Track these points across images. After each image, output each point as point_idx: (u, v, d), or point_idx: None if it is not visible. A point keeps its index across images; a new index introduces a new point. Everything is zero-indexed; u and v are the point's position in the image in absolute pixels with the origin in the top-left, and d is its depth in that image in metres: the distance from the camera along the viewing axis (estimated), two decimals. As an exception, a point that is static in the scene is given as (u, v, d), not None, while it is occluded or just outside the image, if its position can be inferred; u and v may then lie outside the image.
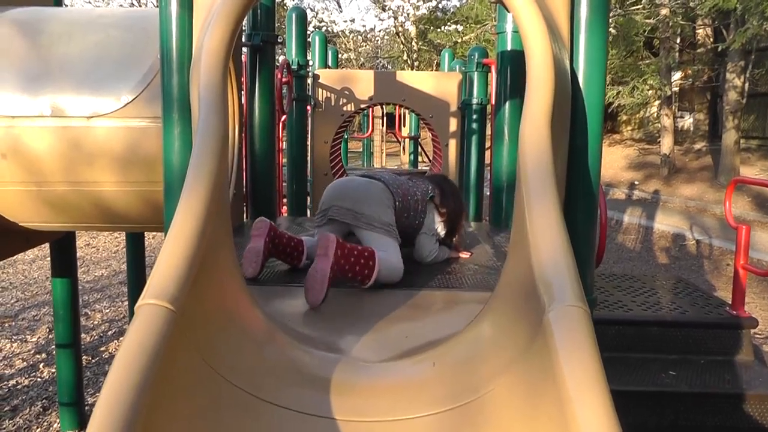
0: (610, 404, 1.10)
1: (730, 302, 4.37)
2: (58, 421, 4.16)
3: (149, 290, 1.23)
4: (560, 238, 1.37)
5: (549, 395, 1.19)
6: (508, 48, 4.12)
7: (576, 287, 1.28)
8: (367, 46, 31.59)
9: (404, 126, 15.62)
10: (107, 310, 6.36)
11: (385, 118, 16.74)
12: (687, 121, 16.56)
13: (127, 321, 5.98)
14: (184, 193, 1.42)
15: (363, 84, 6.15)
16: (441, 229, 2.90)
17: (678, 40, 14.96)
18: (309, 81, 5.95)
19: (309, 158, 6.17)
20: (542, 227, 1.41)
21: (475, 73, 5.91)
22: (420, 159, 13.89)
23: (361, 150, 17.39)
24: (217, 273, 1.49)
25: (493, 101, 5.64)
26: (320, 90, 6.09)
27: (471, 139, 6.11)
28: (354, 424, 1.47)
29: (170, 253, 1.30)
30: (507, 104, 4.19)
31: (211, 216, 1.42)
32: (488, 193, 6.37)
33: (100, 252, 8.92)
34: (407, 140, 14.93)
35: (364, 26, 28.64)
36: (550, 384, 1.18)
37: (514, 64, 4.16)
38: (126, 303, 6.53)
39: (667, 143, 14.09)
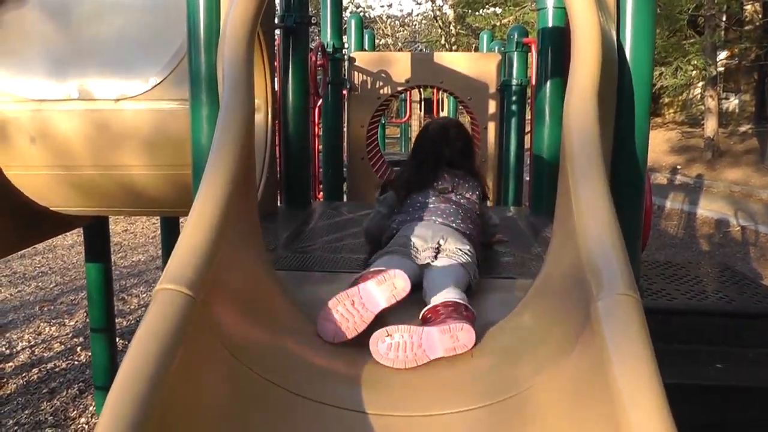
0: (665, 404, 0.99)
1: (781, 293, 4.17)
2: (93, 403, 4.20)
3: (167, 275, 1.16)
4: (609, 222, 1.27)
5: (598, 392, 1.09)
6: (549, 25, 3.95)
7: (627, 275, 1.17)
8: (405, 31, 31.34)
9: (442, 111, 15.44)
10: (144, 295, 6.41)
11: (422, 102, 16.57)
12: (732, 103, 15.98)
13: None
14: (205, 174, 1.35)
15: (399, 66, 6.03)
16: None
17: (724, 18, 14.40)
18: (345, 65, 5.86)
19: (345, 143, 6.10)
20: (590, 210, 1.30)
21: (515, 53, 5.74)
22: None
23: (398, 136, 17.26)
24: (241, 258, 1.42)
25: (533, 82, 5.48)
26: (356, 73, 5.99)
27: (510, 121, 5.96)
28: (390, 419, 1.39)
29: (189, 237, 1.23)
30: (548, 84, 4.03)
31: (233, 198, 1.35)
32: (527, 178, 6.24)
33: (138, 237, 9.02)
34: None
35: (401, 11, 28.40)
36: (600, 380, 1.08)
37: (555, 42, 4.00)
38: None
39: (711, 126, 13.62)
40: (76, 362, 4.82)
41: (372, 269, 1.78)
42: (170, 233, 4.84)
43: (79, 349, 5.05)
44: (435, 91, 13.93)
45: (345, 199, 6.14)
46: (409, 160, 2.61)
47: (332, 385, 1.46)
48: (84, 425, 3.99)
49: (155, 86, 2.57)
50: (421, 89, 13.65)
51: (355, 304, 1.59)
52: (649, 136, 2.26)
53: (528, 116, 5.81)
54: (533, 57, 5.43)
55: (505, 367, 1.46)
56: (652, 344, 1.06)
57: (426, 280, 1.93)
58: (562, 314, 1.35)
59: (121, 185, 2.70)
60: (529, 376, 1.35)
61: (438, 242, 2.12)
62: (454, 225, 2.24)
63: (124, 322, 5.60)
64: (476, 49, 19.71)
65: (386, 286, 1.61)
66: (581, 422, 1.13)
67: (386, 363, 1.51)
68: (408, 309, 1.72)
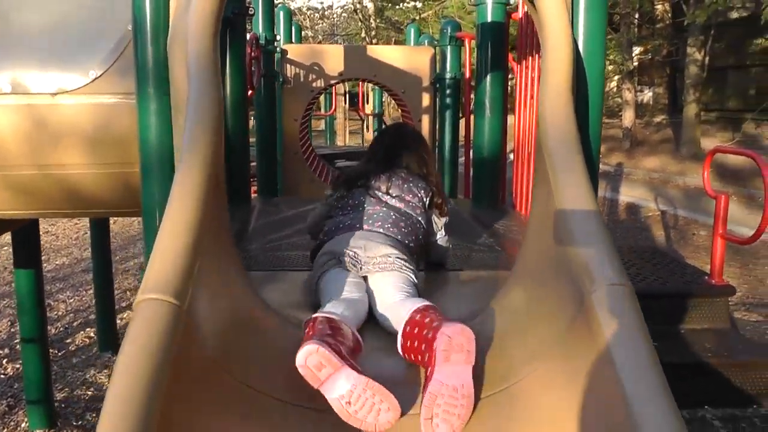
0: (669, 393, 1.01)
1: (704, 271, 4.39)
2: (26, 420, 3.96)
3: (149, 284, 1.09)
4: (594, 215, 1.28)
5: (595, 382, 1.10)
6: (489, 20, 4.00)
7: (616, 263, 1.19)
8: (324, 24, 31.09)
9: (368, 103, 15.43)
10: (71, 300, 6.10)
11: (347, 95, 16.52)
12: (647, 95, 16.76)
13: (92, 311, 5.75)
14: (178, 176, 1.27)
15: (333, 59, 5.97)
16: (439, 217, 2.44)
17: (637, 16, 15.04)
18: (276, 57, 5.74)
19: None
20: (574, 203, 1.31)
21: (448, 47, 5.78)
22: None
23: (323, 128, 17.15)
24: (216, 261, 1.35)
25: (467, 75, 5.54)
26: (288, 66, 5.89)
27: (445, 114, 6.00)
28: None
29: (167, 243, 1.16)
30: (488, 78, 4.08)
31: (207, 201, 1.28)
32: (462, 170, 6.31)
33: (60, 239, 8.57)
34: (371, 117, 14.75)
35: (321, 3, 28.19)
36: (597, 369, 1.09)
37: (495, 37, 4.05)
38: (91, 292, 6.28)
39: (628, 117, 14.24)
40: (2, 376, 4.54)
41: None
42: (100, 233, 4.64)
43: (5, 361, 4.75)
44: (360, 83, 13.91)
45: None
46: (365, 156, 2.57)
47: (312, 389, 1.41)
48: (16, 443, 3.77)
49: (96, 79, 2.42)
50: (347, 82, 13.62)
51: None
52: (601, 128, 2.32)
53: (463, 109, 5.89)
54: (467, 51, 5.48)
55: (492, 361, 1.45)
56: (647, 331, 1.08)
57: (376, 303, 1.83)
58: (551, 305, 1.36)
59: (60, 186, 2.53)
60: (518, 369, 1.35)
61: (366, 254, 2.00)
62: (382, 230, 2.15)
63: (53, 330, 5.31)
64: (396, 43, 19.78)
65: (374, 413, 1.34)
66: (576, 411, 1.14)
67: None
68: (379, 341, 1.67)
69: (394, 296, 1.78)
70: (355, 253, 1.97)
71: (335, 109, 15.32)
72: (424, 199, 2.32)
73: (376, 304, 1.81)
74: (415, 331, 1.49)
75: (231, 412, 1.19)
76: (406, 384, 1.42)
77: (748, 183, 9.99)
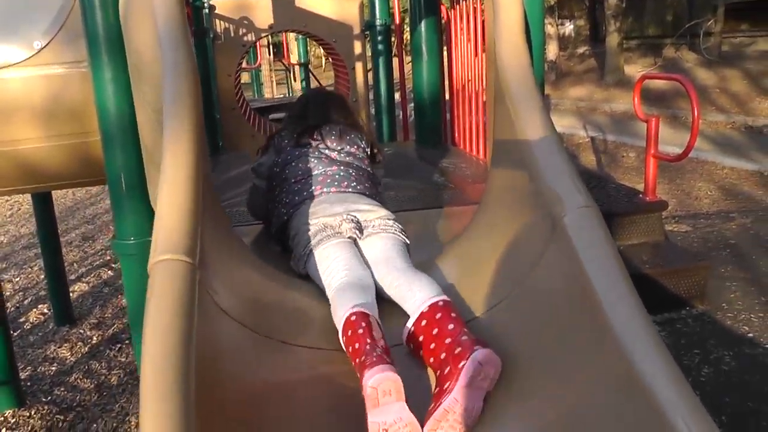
0: (639, 302, 1.16)
1: (637, 189, 4.69)
2: (-8, 402, 3.94)
3: (160, 246, 1.16)
4: (557, 145, 1.41)
5: (573, 296, 1.24)
6: (418, -37, 4.05)
7: (582, 188, 1.32)
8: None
9: (292, 54, 15.15)
10: (17, 279, 5.95)
11: (270, 47, 16.16)
12: (568, 28, 17.13)
13: (41, 287, 5.65)
14: (168, 140, 1.32)
15: (262, 12, 5.87)
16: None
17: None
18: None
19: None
20: (537, 137, 1.43)
21: (377, -6, 5.79)
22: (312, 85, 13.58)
23: (250, 81, 16.81)
24: (211, 216, 1.42)
25: (397, 21, 5.58)
26: (218, 21, 5.77)
27: (378, 60, 6.04)
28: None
29: (171, 204, 1.22)
30: (422, 23, 4.16)
31: (199, 159, 1.34)
32: (400, 113, 6.40)
33: (-8, 218, 8.28)
34: (297, 67, 14.53)
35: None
36: (572, 285, 1.23)
37: (427, -17, 4.12)
38: (36, 268, 6.15)
39: (552, 50, 14.56)
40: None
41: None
42: (44, 208, 4.54)
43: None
44: (284, 33, 13.62)
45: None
46: (285, 122, 2.46)
47: (312, 328, 1.53)
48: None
49: (41, 50, 2.36)
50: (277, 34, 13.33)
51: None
52: (544, 73, 2.44)
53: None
54: (395, -2, 5.51)
55: (464, 292, 1.58)
56: (615, 245, 1.22)
57: (376, 271, 1.79)
58: (520, 235, 1.49)
59: (15, 162, 2.48)
60: (495, 294, 1.48)
61: (352, 216, 1.94)
62: (350, 189, 2.11)
63: (1, 310, 5.20)
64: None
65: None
66: (559, 322, 1.29)
67: None
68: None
69: (397, 264, 1.77)
70: (354, 217, 1.91)
71: (260, 62, 15.01)
72: (366, 150, 2.33)
73: (377, 272, 1.79)
74: (434, 333, 1.50)
75: (245, 356, 1.29)
76: (409, 375, 1.44)
77: (671, 105, 10.48)
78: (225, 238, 1.50)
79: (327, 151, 2.21)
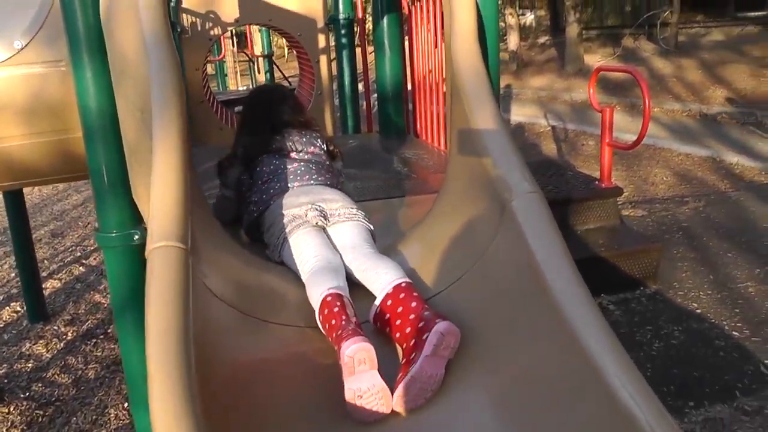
0: (577, 273, 1.34)
1: (594, 176, 4.92)
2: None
3: (156, 233, 1.29)
4: (505, 136, 1.57)
5: (521, 274, 1.41)
6: (381, -39, 4.20)
7: (528, 176, 1.49)
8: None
9: (256, 45, 15.15)
10: (-11, 273, 5.98)
11: (234, 38, 16.12)
12: (529, 18, 17.44)
13: (12, 285, 5.68)
14: (158, 136, 1.45)
15: (227, 6, 5.94)
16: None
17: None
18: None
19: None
20: (488, 130, 1.60)
21: (339, -11, 5.92)
22: (276, 76, 13.63)
23: (214, 73, 16.75)
24: (198, 205, 1.56)
25: (360, 15, 5.71)
26: (185, 15, 5.82)
27: (342, 54, 6.18)
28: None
29: (164, 194, 1.35)
30: (385, 19, 4.32)
31: (186, 153, 1.47)
32: (363, 105, 6.53)
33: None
34: (260, 59, 14.53)
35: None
36: (524, 268, 1.40)
37: (387, -21, 4.27)
38: (5, 266, 6.16)
39: (513, 40, 14.81)
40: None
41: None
42: (16, 204, 4.59)
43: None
44: (248, 26, 13.60)
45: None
46: (239, 133, 2.57)
47: (289, 306, 1.68)
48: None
49: (22, 49, 2.44)
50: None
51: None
52: (499, 66, 2.61)
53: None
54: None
55: (428, 271, 1.75)
56: (557, 227, 1.40)
57: (343, 255, 1.94)
58: (474, 218, 1.66)
59: (-1, 160, 2.58)
60: (453, 273, 1.65)
61: (317, 206, 2.09)
62: (313, 182, 2.26)
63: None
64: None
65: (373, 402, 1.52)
66: (508, 297, 1.46)
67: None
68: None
69: (363, 250, 1.92)
70: (319, 206, 2.06)
71: (224, 54, 14.99)
72: (323, 147, 2.47)
73: (345, 257, 1.93)
74: (399, 310, 1.66)
75: (232, 333, 1.44)
76: (378, 350, 1.56)
77: (629, 93, 10.80)
78: (208, 226, 1.64)
79: (289, 153, 2.36)
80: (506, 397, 1.46)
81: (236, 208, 2.42)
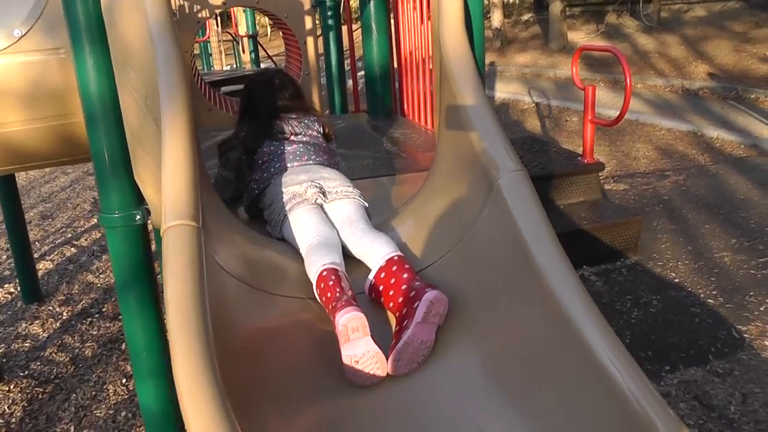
0: (559, 247, 1.46)
1: (577, 152, 5.05)
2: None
3: (170, 212, 1.39)
4: (492, 119, 1.68)
5: (507, 246, 1.54)
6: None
7: (513, 155, 1.60)
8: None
9: (240, 24, 15.08)
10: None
11: (217, 18, 16.02)
12: (512, -6, 17.49)
13: (6, 267, 5.74)
14: (167, 122, 1.54)
15: (214, -13, 5.96)
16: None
17: None
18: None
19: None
20: (475, 112, 1.71)
21: (325, -29, 5.96)
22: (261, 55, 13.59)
23: (198, 53, 16.66)
24: (204, 187, 1.66)
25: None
26: (171, -2, 5.83)
27: (328, 35, 6.23)
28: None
29: (176, 176, 1.45)
30: (372, 2, 4.39)
31: (193, 136, 1.57)
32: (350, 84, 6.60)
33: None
34: (245, 39, 14.48)
35: None
36: (509, 241, 1.52)
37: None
38: (-3, 249, 6.22)
39: (497, 17, 14.85)
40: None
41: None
42: (8, 188, 4.65)
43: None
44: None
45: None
46: (241, 117, 2.66)
47: (290, 279, 1.79)
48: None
49: (22, 37, 2.50)
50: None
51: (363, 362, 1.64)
52: (484, 51, 2.70)
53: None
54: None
55: (419, 244, 1.87)
56: (540, 203, 1.52)
57: (340, 231, 2.05)
58: (463, 195, 1.77)
59: (1, 145, 2.65)
60: (443, 247, 1.77)
61: (317, 183, 2.19)
62: (311, 162, 2.36)
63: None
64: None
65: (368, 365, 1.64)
66: (498, 272, 1.58)
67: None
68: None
69: (359, 226, 2.04)
70: (318, 184, 2.17)
71: (209, 35, 14.91)
72: (320, 130, 2.57)
73: (341, 232, 2.05)
74: (391, 282, 1.79)
75: (241, 305, 1.55)
76: (373, 318, 1.71)
77: (612, 70, 10.93)
78: (213, 206, 1.74)
79: (289, 136, 2.46)
80: (493, 360, 1.59)
81: (234, 188, 2.52)
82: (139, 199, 2.45)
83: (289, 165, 2.33)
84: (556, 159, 4.93)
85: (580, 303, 1.40)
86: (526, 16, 16.35)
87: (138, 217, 2.44)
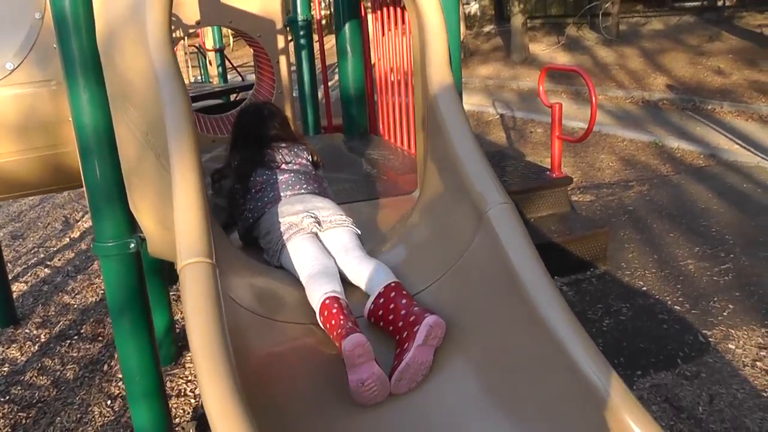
0: (546, 273, 1.59)
1: (545, 166, 5.24)
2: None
3: (185, 251, 1.48)
4: (478, 153, 1.81)
5: (495, 275, 1.66)
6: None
7: (501, 188, 1.73)
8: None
9: (207, 38, 15.05)
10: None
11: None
12: (474, 7, 17.80)
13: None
14: (175, 161, 1.62)
15: (188, 8, 6.03)
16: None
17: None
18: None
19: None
20: (461, 144, 1.83)
21: (295, -10, 6.07)
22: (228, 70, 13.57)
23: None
24: (211, 222, 1.74)
25: (318, 17, 5.87)
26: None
27: (301, 54, 6.34)
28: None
29: (188, 214, 1.54)
30: (347, 26, 4.52)
31: (201, 174, 1.66)
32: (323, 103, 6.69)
33: None
34: (213, 53, 14.47)
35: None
36: (496, 266, 1.65)
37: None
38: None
39: (460, 29, 15.12)
40: None
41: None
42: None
43: None
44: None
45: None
46: (232, 147, 2.72)
47: (291, 306, 1.89)
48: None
49: (14, 70, 2.55)
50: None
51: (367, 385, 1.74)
52: (461, 75, 2.84)
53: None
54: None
55: (413, 270, 1.99)
56: (528, 233, 1.65)
57: (336, 258, 2.15)
58: (452, 225, 1.90)
59: (-6, 175, 2.69)
60: (435, 272, 1.89)
61: (312, 213, 2.27)
62: (303, 191, 2.44)
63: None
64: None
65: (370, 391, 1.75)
66: (484, 298, 1.71)
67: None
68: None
69: (354, 254, 2.16)
70: (314, 214, 2.26)
71: (177, 48, 14.86)
72: (309, 158, 2.66)
73: (338, 260, 2.16)
74: (391, 307, 1.90)
75: (251, 333, 1.64)
76: (373, 342, 1.80)
77: (574, 82, 11.23)
78: (219, 238, 1.83)
79: (280, 165, 2.54)
80: (486, 376, 1.72)
81: (227, 215, 2.60)
82: (132, 227, 2.52)
83: (282, 194, 2.41)
84: (526, 174, 5.10)
85: (567, 324, 1.53)
86: (487, 28, 16.67)
87: (132, 245, 2.51)
